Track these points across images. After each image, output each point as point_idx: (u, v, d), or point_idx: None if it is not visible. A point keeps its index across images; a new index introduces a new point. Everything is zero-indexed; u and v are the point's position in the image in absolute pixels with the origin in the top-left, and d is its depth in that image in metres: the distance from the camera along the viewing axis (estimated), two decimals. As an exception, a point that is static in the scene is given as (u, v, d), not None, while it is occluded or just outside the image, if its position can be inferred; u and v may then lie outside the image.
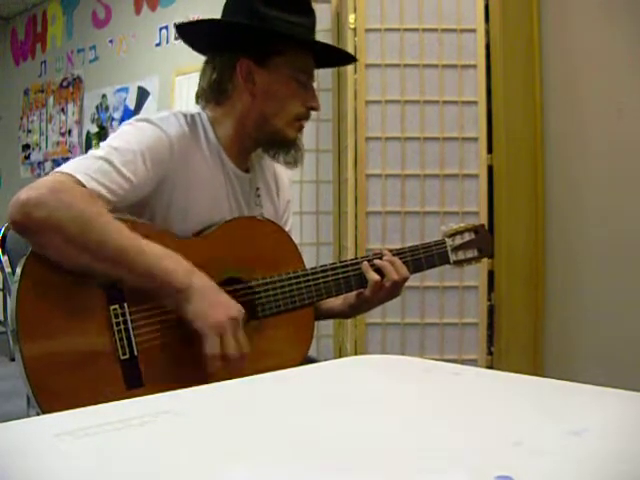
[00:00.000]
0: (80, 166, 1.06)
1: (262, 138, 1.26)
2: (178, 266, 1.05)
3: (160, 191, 1.14)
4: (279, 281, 1.19)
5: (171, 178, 1.15)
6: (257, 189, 1.33)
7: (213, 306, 1.05)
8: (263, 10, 1.20)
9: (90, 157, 1.09)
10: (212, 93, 1.26)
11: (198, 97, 1.28)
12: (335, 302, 1.37)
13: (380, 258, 1.28)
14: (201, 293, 1.05)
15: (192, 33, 1.29)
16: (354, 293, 1.31)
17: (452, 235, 1.38)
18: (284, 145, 1.26)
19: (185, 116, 1.22)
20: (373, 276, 1.26)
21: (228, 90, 1.24)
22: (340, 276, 1.25)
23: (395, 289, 1.29)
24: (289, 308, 1.20)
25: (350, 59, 1.47)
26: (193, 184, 1.18)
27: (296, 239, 1.32)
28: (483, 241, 1.43)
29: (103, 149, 1.11)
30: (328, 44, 1.31)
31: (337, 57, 1.43)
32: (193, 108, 1.27)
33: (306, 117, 1.27)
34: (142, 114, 2.75)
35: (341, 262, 1.28)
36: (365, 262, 1.27)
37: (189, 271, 1.06)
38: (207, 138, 1.23)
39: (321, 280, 1.23)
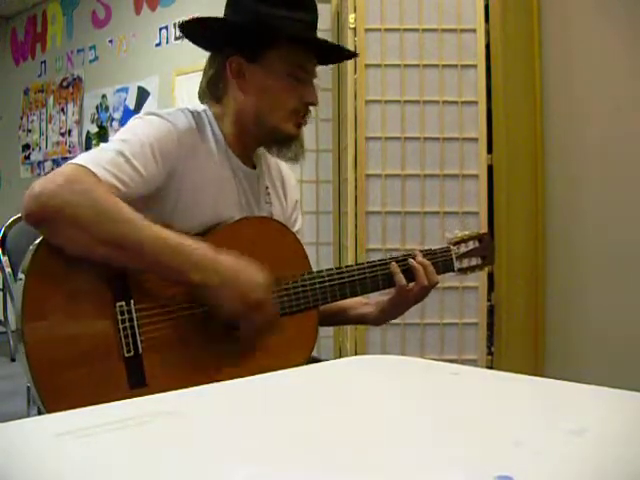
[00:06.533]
0: (92, 158, 1.07)
1: (262, 135, 1.26)
2: (196, 259, 1.06)
3: (168, 185, 1.15)
4: (286, 284, 1.18)
5: (179, 171, 1.15)
6: (266, 187, 1.33)
7: (243, 299, 1.08)
8: (260, 8, 1.20)
9: (102, 149, 1.11)
10: (209, 91, 1.28)
11: (200, 95, 1.30)
12: (367, 309, 1.37)
13: (406, 260, 1.29)
14: (226, 289, 1.07)
15: (193, 31, 1.30)
16: (386, 298, 1.32)
17: (457, 243, 1.38)
18: (285, 141, 1.26)
19: (192, 112, 1.23)
20: (401, 279, 1.27)
21: (222, 87, 1.25)
22: (333, 283, 1.24)
23: (422, 296, 1.30)
24: (294, 310, 1.19)
25: (351, 55, 1.46)
26: (200, 179, 1.18)
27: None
28: (487, 249, 1.43)
29: (114, 142, 1.12)
30: (324, 40, 1.29)
31: (338, 53, 1.41)
32: (199, 106, 1.28)
33: (305, 112, 1.26)
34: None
35: (337, 268, 1.26)
36: (393, 263, 1.28)
37: (209, 263, 1.06)
38: (214, 134, 1.24)
39: (318, 286, 1.22)
